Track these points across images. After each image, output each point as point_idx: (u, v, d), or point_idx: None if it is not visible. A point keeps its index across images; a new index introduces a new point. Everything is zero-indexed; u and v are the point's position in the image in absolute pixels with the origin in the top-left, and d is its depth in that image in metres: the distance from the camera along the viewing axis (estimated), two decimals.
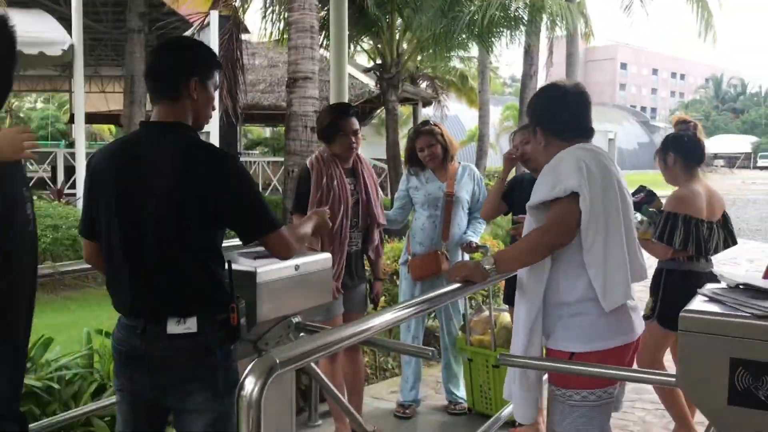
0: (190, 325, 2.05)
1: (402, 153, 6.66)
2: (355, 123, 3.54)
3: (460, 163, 4.40)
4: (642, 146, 56.29)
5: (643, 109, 79.58)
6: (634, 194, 3.59)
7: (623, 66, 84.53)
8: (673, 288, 3.61)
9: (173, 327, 2.05)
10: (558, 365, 2.34)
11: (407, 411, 4.21)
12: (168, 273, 2.07)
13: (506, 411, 3.11)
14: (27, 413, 2.91)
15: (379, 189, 3.82)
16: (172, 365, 2.08)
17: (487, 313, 4.16)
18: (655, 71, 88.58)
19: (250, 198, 2.11)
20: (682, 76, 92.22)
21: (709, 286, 2.17)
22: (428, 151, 4.15)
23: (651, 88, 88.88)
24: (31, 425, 2.71)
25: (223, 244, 2.23)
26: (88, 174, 2.19)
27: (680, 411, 3.64)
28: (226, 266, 2.17)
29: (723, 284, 2.17)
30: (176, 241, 2.05)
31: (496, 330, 4.05)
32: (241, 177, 2.10)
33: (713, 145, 61.58)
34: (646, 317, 3.66)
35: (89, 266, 3.02)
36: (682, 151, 3.68)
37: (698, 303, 2.04)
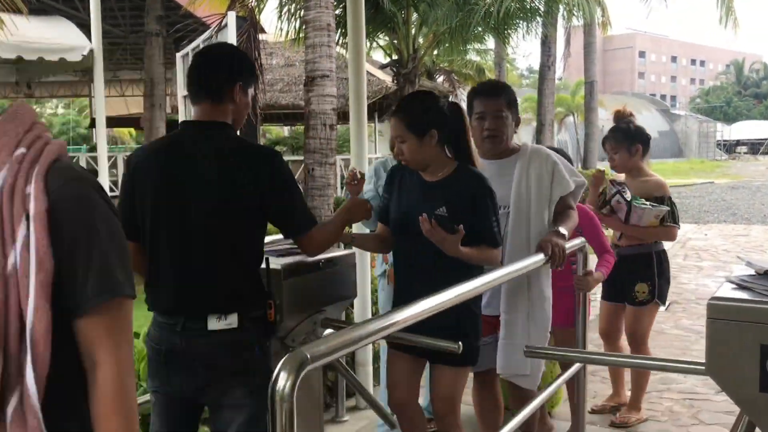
0: (231, 320, 2.09)
1: None
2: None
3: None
4: (662, 135, 55.70)
5: (663, 97, 78.70)
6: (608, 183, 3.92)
7: (642, 54, 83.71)
8: (665, 266, 3.98)
9: (214, 323, 2.08)
10: (590, 356, 2.33)
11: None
12: (212, 270, 2.10)
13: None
14: None
15: None
16: (213, 361, 2.10)
17: None
18: (674, 59, 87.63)
19: (292, 195, 2.16)
20: (702, 63, 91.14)
21: (737, 273, 2.15)
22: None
23: (671, 75, 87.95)
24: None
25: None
26: (128, 173, 2.21)
27: (640, 390, 4.07)
28: (264, 263, 2.21)
29: (751, 271, 2.15)
30: (221, 237, 2.10)
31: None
32: (285, 174, 2.15)
33: (735, 131, 60.84)
34: (641, 302, 3.80)
35: None
36: (646, 142, 4.05)
37: (726, 290, 2.02)
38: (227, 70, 2.22)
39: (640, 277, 3.92)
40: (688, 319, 6.64)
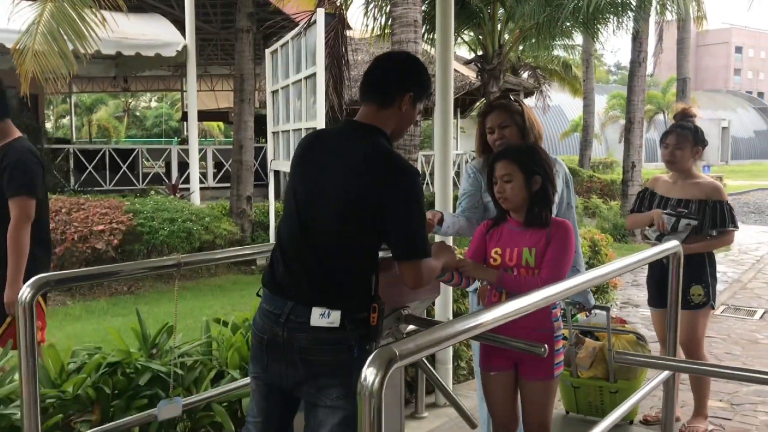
0: (334, 319, 2.10)
1: None
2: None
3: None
4: (759, 134, 53.09)
5: (760, 95, 74.92)
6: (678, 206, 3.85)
7: (738, 50, 79.82)
8: (715, 267, 3.91)
9: (317, 319, 2.10)
10: (683, 365, 2.26)
11: None
12: (328, 262, 2.14)
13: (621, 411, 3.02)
14: (154, 396, 3.09)
15: None
16: (311, 357, 2.12)
17: (590, 342, 3.96)
18: None
19: (413, 220, 2.13)
20: None
21: None
22: (499, 132, 3.07)
23: None
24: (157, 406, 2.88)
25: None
26: (294, 153, 2.34)
27: (705, 398, 3.95)
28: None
29: None
30: (343, 235, 2.13)
31: (596, 358, 3.92)
32: (412, 196, 2.13)
33: None
34: (696, 306, 3.79)
35: (208, 257, 3.21)
36: (705, 146, 3.94)
37: None
38: (403, 76, 2.26)
39: (694, 279, 3.78)
40: None
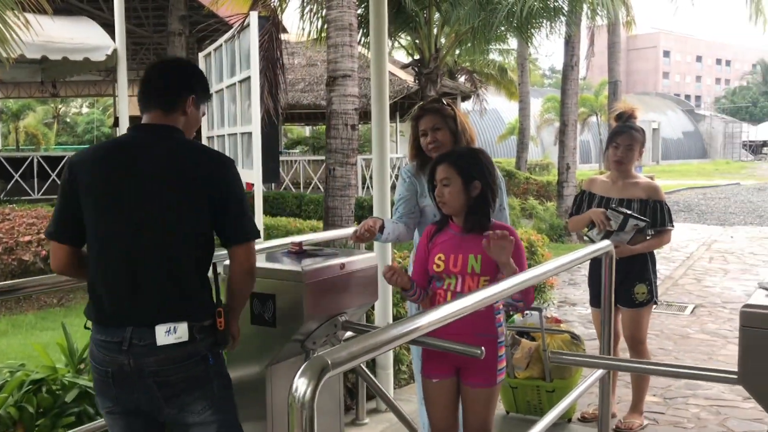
0: (181, 333, 1.99)
1: None
2: None
3: None
4: (687, 135, 55.06)
5: (688, 97, 77.76)
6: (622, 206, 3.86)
7: (666, 54, 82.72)
8: (656, 266, 4.00)
9: (163, 338, 1.98)
10: (616, 363, 2.28)
11: None
12: (160, 277, 2.02)
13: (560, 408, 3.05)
14: (82, 413, 2.96)
15: None
16: (166, 379, 2.00)
17: (526, 343, 4.01)
18: (699, 58, 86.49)
19: (241, 203, 2.12)
20: (728, 63, 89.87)
21: None
22: (432, 136, 3.08)
23: (695, 75, 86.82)
24: (86, 425, 2.75)
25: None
26: (70, 174, 2.10)
27: (643, 393, 4.04)
28: (211, 270, 2.15)
29: None
30: (169, 243, 2.03)
31: (532, 358, 3.96)
32: (236, 181, 2.12)
33: (762, 132, 59.94)
34: (641, 304, 3.87)
35: None
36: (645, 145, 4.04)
37: (760, 297, 1.97)
38: (184, 80, 2.21)
39: (638, 278, 3.87)
40: (714, 323, 6.52)
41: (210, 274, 2.15)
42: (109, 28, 11.35)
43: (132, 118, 12.53)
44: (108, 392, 2.07)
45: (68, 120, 47.17)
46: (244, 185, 2.19)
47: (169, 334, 1.98)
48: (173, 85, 2.19)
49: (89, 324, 2.12)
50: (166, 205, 2.03)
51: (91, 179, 2.08)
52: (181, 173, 2.05)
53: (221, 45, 8.12)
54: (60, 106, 43.90)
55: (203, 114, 2.30)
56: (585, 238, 4.06)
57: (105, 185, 2.06)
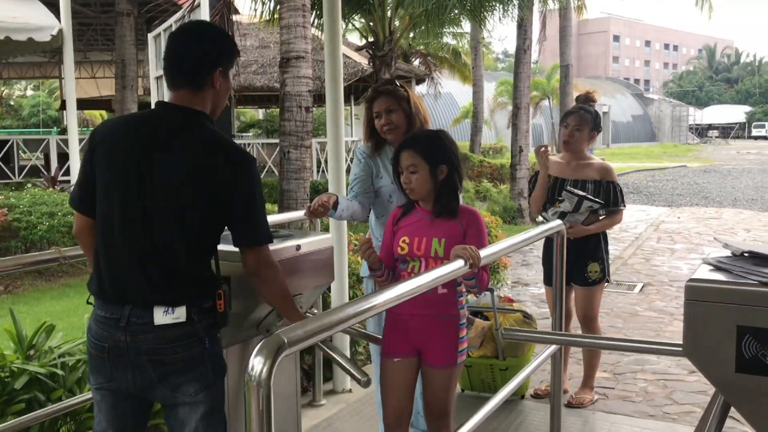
0: (179, 314, 1.99)
1: None
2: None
3: None
4: (636, 119, 56.19)
5: (637, 81, 79.33)
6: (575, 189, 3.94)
7: (616, 38, 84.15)
8: (608, 246, 4.10)
9: (160, 317, 1.98)
10: (568, 338, 2.33)
11: None
12: (163, 258, 2.01)
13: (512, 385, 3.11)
14: (32, 399, 2.91)
15: None
16: (161, 357, 2.00)
17: (480, 322, 4.06)
18: (648, 43, 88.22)
19: (255, 206, 2.09)
20: (675, 48, 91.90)
21: (714, 255, 2.16)
22: (386, 117, 3.13)
23: (644, 60, 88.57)
24: (37, 411, 2.71)
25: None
26: (90, 145, 2.09)
27: (594, 369, 4.17)
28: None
29: (728, 252, 2.16)
30: (178, 228, 2.01)
31: (485, 337, 4.03)
32: (254, 183, 2.08)
33: (707, 115, 61.60)
34: (594, 282, 3.97)
35: None
36: (599, 132, 4.13)
37: (704, 272, 2.03)
38: (209, 55, 2.11)
39: (591, 257, 3.97)
40: (662, 301, 6.72)
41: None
42: (54, 7, 11.02)
43: (79, 101, 12.24)
44: (102, 368, 2.06)
45: (12, 103, 45.72)
46: None
47: (166, 314, 1.99)
48: (200, 62, 2.10)
49: (92, 299, 2.12)
50: (176, 195, 2.00)
51: (108, 153, 2.05)
52: (199, 168, 2.00)
53: (171, 26, 7.96)
54: (3, 89, 42.51)
55: (234, 76, 2.23)
56: (539, 218, 4.14)
57: (119, 162, 2.03)
